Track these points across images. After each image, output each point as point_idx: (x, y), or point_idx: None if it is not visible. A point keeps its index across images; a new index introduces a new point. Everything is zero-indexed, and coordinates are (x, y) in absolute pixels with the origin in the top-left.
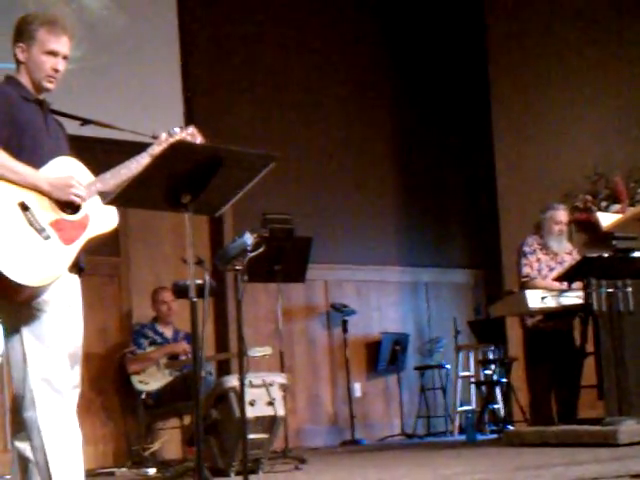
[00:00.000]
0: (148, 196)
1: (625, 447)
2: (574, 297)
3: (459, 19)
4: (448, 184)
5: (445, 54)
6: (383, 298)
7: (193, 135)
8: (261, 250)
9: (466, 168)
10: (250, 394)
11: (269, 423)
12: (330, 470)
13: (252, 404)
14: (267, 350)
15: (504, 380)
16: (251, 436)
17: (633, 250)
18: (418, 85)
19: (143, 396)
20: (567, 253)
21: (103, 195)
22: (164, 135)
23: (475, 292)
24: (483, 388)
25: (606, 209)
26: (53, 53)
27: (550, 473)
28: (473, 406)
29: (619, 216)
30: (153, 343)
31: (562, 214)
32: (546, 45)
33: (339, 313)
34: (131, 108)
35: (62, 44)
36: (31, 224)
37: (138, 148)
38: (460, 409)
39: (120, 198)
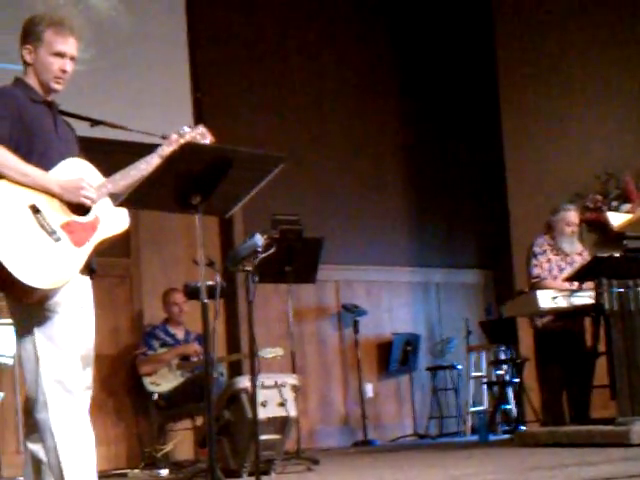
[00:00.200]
0: (158, 197)
1: (638, 447)
2: (585, 297)
3: (467, 21)
4: (458, 185)
5: (454, 55)
6: (394, 299)
7: (203, 134)
8: (272, 251)
9: (476, 169)
10: (262, 395)
11: (281, 424)
12: (342, 471)
13: (264, 405)
14: (278, 351)
15: (516, 380)
16: (263, 437)
17: None
18: (427, 87)
19: (155, 397)
20: (578, 254)
21: (114, 197)
22: (174, 136)
23: (486, 292)
24: (495, 388)
25: (616, 209)
26: (60, 54)
27: (563, 473)
28: (485, 406)
29: (630, 216)
30: (164, 344)
31: (573, 215)
32: (555, 45)
33: (350, 314)
34: (140, 109)
35: (69, 45)
36: (42, 227)
37: (147, 149)
38: (472, 409)
39: (131, 200)
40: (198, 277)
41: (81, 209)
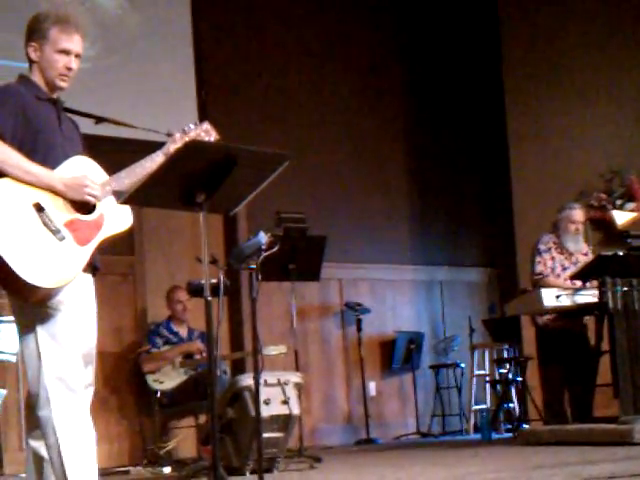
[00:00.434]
0: (163, 195)
1: None
2: (589, 295)
3: (472, 22)
4: (463, 183)
5: (458, 55)
6: (398, 297)
7: (207, 131)
8: (275, 249)
9: (481, 167)
10: (265, 393)
11: (284, 422)
12: (345, 469)
13: (267, 403)
14: (282, 349)
15: (519, 379)
16: (266, 435)
17: None
18: (432, 86)
19: (158, 395)
20: (583, 254)
21: (118, 194)
22: (178, 135)
23: (490, 291)
24: (498, 387)
25: (621, 207)
26: (66, 52)
27: (565, 472)
28: (488, 405)
29: (634, 214)
30: (168, 342)
31: (578, 213)
32: (561, 44)
33: (354, 312)
34: (145, 107)
35: (74, 42)
36: (46, 225)
37: (152, 147)
38: (475, 408)
39: (135, 197)
40: (202, 275)
41: (85, 207)
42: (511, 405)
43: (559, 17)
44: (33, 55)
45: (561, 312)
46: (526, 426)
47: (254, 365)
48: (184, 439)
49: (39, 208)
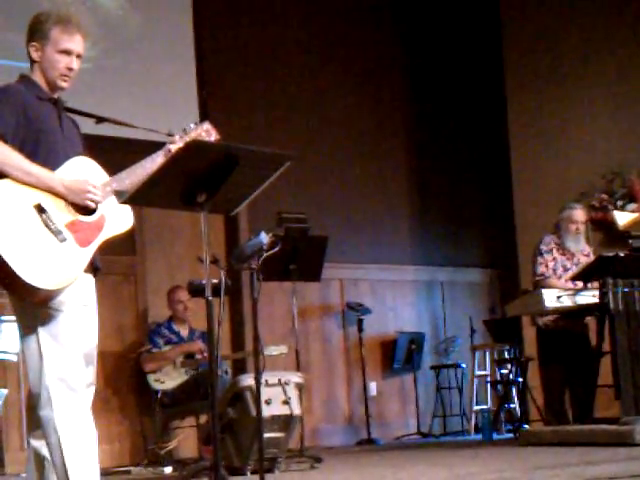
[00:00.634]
0: (164, 195)
1: None
2: (590, 296)
3: (474, 22)
4: (464, 183)
5: (459, 55)
6: (399, 297)
7: (208, 131)
8: (276, 249)
9: (482, 167)
10: (266, 393)
11: (285, 422)
12: (346, 469)
13: (268, 403)
14: (283, 349)
15: (520, 379)
16: (267, 435)
17: None
18: (433, 86)
19: (159, 395)
20: (584, 255)
21: (118, 194)
22: (177, 136)
23: (491, 291)
24: (499, 387)
25: (622, 208)
26: (67, 52)
27: (566, 473)
28: (489, 405)
29: (635, 215)
30: (169, 342)
31: (579, 213)
32: (562, 45)
33: (355, 312)
34: (146, 107)
35: (76, 43)
36: (47, 226)
37: (153, 147)
38: (476, 408)
39: (136, 197)
40: (203, 275)
41: (86, 208)
42: (512, 405)
43: (560, 18)
44: (34, 55)
45: (562, 313)
46: (527, 427)
47: (255, 365)
48: (185, 439)
49: (40, 209)
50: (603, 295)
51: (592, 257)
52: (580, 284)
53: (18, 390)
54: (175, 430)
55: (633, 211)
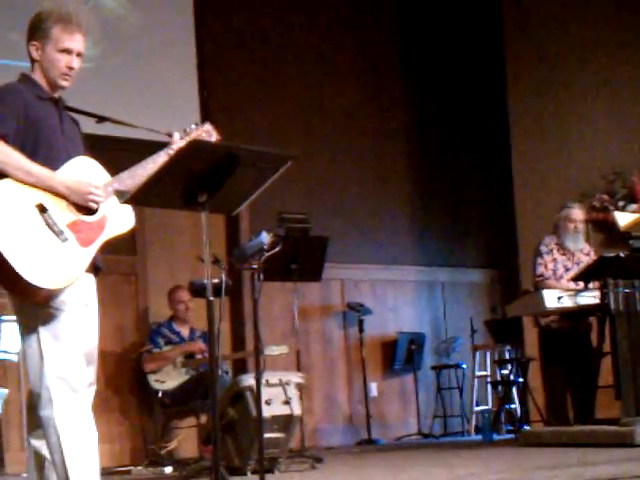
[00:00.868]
0: (165, 195)
1: None
2: (591, 297)
3: (475, 21)
4: (465, 184)
5: (461, 54)
6: (399, 297)
7: (209, 132)
8: (277, 249)
9: (483, 168)
10: (266, 393)
11: (285, 422)
12: (346, 470)
13: (268, 403)
14: (283, 349)
15: (521, 380)
16: (267, 435)
17: None
18: (435, 84)
19: (159, 395)
20: (585, 254)
21: (120, 194)
22: (177, 135)
23: (491, 292)
24: (500, 388)
25: (623, 208)
26: (67, 51)
27: (566, 473)
28: (489, 406)
29: (636, 215)
30: (169, 342)
31: (577, 212)
32: (564, 44)
33: (355, 312)
34: (147, 107)
35: (76, 41)
36: (49, 226)
37: (153, 147)
38: (476, 409)
39: (137, 197)
40: (204, 275)
41: (88, 208)
42: (512, 406)
43: (562, 18)
44: (35, 54)
45: (563, 314)
46: (527, 427)
47: (256, 365)
48: (185, 439)
49: (42, 209)
50: (604, 296)
51: (592, 256)
52: (581, 284)
53: (18, 390)
54: (175, 430)
55: (634, 212)
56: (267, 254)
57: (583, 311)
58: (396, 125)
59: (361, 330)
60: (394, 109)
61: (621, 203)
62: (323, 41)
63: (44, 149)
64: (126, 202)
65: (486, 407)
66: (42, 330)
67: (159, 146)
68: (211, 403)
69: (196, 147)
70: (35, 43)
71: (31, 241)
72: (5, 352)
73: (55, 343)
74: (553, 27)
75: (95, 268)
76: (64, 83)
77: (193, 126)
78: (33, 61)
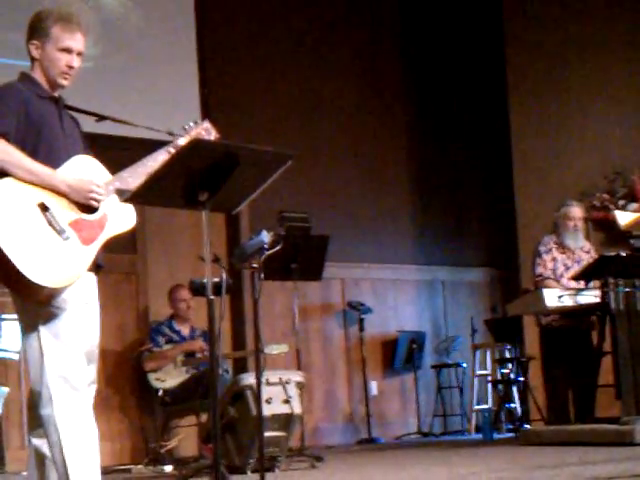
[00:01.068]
0: (165, 194)
1: None
2: (591, 296)
3: (475, 21)
4: (465, 183)
5: (460, 53)
6: (400, 296)
7: (208, 130)
8: (278, 248)
9: (483, 167)
10: (267, 392)
11: (285, 421)
12: (346, 468)
13: (269, 402)
14: (284, 348)
15: (521, 379)
16: (267, 434)
17: None
18: (435, 84)
19: (160, 394)
20: (585, 252)
21: (120, 193)
22: (177, 134)
23: (492, 291)
24: (500, 387)
25: (623, 208)
26: (68, 50)
27: (567, 472)
28: (490, 405)
29: (637, 215)
30: (170, 341)
31: (575, 210)
32: (563, 44)
33: (356, 311)
34: (148, 106)
35: (77, 41)
36: (51, 225)
37: (153, 145)
38: (477, 408)
39: (137, 196)
40: (204, 273)
41: (89, 206)
42: (513, 405)
43: (562, 18)
44: (35, 53)
45: (563, 313)
46: (528, 426)
47: (256, 364)
48: (185, 438)
49: (44, 208)
50: (604, 295)
51: (593, 254)
52: (581, 283)
53: (19, 388)
54: (176, 429)
55: (634, 211)
56: (267, 253)
57: (583, 310)
58: (396, 124)
59: (361, 329)
60: (394, 108)
61: (621, 202)
62: (323, 40)
63: (45, 148)
64: (127, 201)
65: (486, 406)
66: (43, 329)
67: (159, 144)
68: (211, 402)
69: (197, 146)
70: (35, 42)
71: (33, 240)
72: (6, 351)
73: (56, 342)
74: (553, 27)
75: (96, 267)
76: (64, 82)
77: (192, 124)
78: (33, 60)
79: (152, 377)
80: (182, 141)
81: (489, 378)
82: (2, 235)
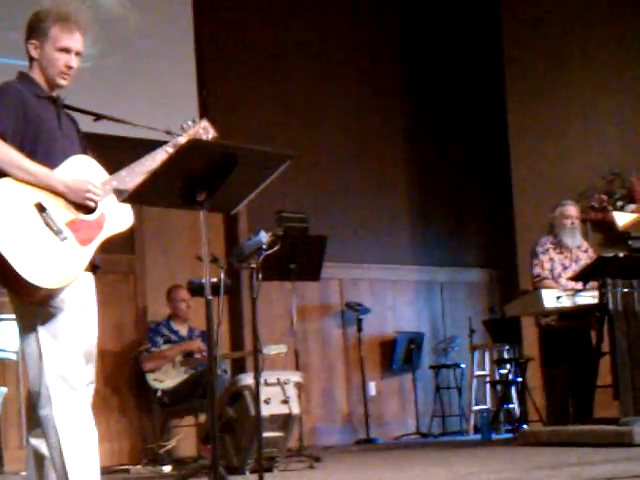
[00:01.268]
0: (163, 194)
1: None
2: (589, 297)
3: (474, 21)
4: (464, 183)
5: (459, 53)
6: (398, 297)
7: (206, 129)
8: (276, 248)
9: (482, 167)
10: (265, 392)
11: (284, 421)
12: (344, 469)
13: (267, 402)
14: (282, 348)
15: (519, 380)
16: (266, 434)
17: None
18: (434, 84)
19: (158, 394)
20: (583, 251)
21: (119, 193)
22: (175, 134)
23: (490, 291)
24: (498, 387)
25: (622, 209)
26: (66, 50)
27: (565, 473)
28: (488, 405)
29: (635, 216)
30: (168, 341)
31: (571, 208)
32: (562, 45)
33: (354, 312)
34: (146, 106)
35: (75, 41)
36: (48, 225)
37: (152, 145)
38: (475, 408)
39: (135, 196)
40: (202, 274)
41: (86, 206)
42: (511, 406)
43: (560, 18)
44: (33, 53)
45: (561, 313)
46: (526, 427)
47: (254, 364)
48: (184, 438)
49: (41, 208)
50: (602, 295)
51: (591, 253)
52: (580, 284)
53: (17, 388)
54: (174, 429)
55: (633, 212)
56: (266, 253)
57: (582, 311)
58: (395, 124)
59: (360, 329)
60: (394, 109)
61: (620, 203)
62: (323, 41)
63: (43, 148)
64: (125, 201)
65: (485, 407)
66: (41, 329)
67: (157, 144)
68: (210, 402)
69: (195, 146)
70: (34, 42)
71: (30, 240)
72: (4, 351)
73: (54, 342)
74: (553, 27)
75: (94, 267)
76: (63, 82)
77: (190, 122)
78: (32, 60)
79: (150, 377)
80: (180, 140)
81: (487, 379)
82: None
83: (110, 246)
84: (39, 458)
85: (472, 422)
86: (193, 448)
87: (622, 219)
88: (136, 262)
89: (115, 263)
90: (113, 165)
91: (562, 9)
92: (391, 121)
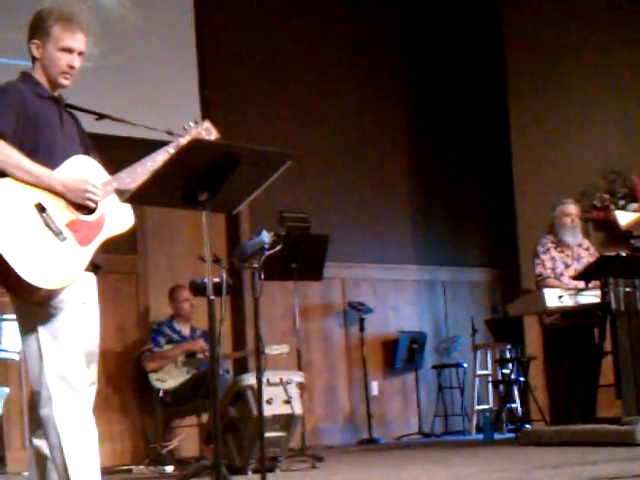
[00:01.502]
0: (165, 194)
1: None
2: (592, 296)
3: (475, 22)
4: (466, 183)
5: (460, 53)
6: (400, 297)
7: (208, 130)
8: (278, 248)
9: (483, 167)
10: (267, 392)
11: (286, 421)
12: (347, 469)
13: (269, 402)
14: (284, 348)
15: (522, 379)
16: (268, 434)
17: None
18: (435, 84)
19: (160, 394)
20: (584, 249)
21: (120, 193)
22: (177, 134)
23: (492, 291)
24: (501, 387)
25: (623, 208)
26: (68, 50)
27: (567, 472)
28: (491, 405)
29: (637, 215)
30: (170, 341)
31: (570, 207)
32: (564, 45)
33: (356, 311)
34: (148, 106)
35: (77, 40)
36: (48, 226)
37: (153, 145)
38: (477, 408)
39: (137, 196)
40: (204, 274)
41: (86, 207)
42: (513, 405)
43: (562, 18)
44: (35, 52)
45: (563, 312)
46: (528, 426)
47: (256, 364)
48: (186, 438)
49: (41, 208)
50: (605, 295)
51: (592, 251)
52: (582, 283)
53: (20, 389)
54: (176, 429)
55: (635, 211)
56: (268, 253)
57: (584, 310)
58: (396, 124)
59: (362, 329)
60: (394, 109)
61: (622, 202)
62: (324, 41)
63: (43, 148)
64: (127, 201)
65: (487, 406)
66: (41, 329)
67: (159, 145)
68: (212, 402)
69: (197, 146)
70: (36, 41)
71: (30, 241)
72: (6, 351)
73: (54, 342)
74: (553, 27)
75: (95, 267)
76: (65, 82)
77: (192, 124)
78: (34, 59)
79: (153, 377)
80: (182, 141)
81: (490, 378)
82: None
83: (112, 246)
84: (41, 459)
85: (474, 422)
86: (195, 448)
87: (624, 218)
88: (138, 262)
89: (117, 263)
90: (114, 165)
91: (563, 10)
92: (392, 121)
